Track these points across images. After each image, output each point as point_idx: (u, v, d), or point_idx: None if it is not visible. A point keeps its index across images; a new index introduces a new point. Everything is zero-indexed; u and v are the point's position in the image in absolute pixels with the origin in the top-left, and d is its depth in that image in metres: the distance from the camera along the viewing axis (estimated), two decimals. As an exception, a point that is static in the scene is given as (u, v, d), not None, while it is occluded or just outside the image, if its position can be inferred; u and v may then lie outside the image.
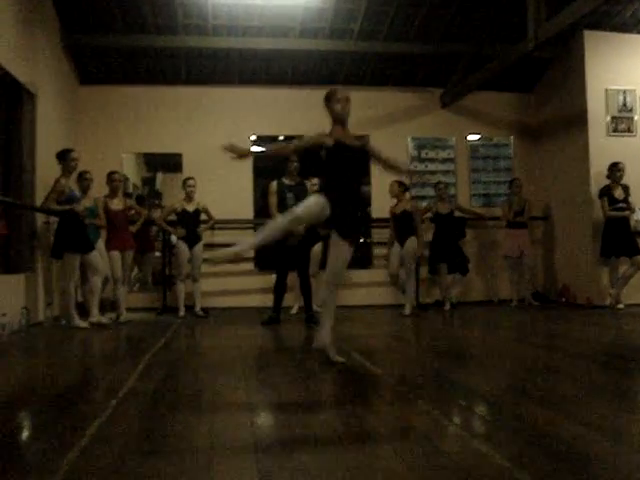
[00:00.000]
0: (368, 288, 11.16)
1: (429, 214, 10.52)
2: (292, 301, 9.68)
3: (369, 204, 11.36)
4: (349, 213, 4.84)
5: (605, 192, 9.79)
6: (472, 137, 11.86)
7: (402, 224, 9.56)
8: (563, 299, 10.88)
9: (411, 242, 9.44)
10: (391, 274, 9.82)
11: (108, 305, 9.20)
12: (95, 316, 8.09)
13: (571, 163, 10.77)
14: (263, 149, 5.14)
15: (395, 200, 9.66)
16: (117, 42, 10.20)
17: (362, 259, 11.35)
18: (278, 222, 4.81)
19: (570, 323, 8.40)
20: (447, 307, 10.11)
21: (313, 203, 4.73)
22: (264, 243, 4.73)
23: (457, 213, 10.63)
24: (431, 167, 11.62)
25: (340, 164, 4.87)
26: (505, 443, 2.85)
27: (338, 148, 4.87)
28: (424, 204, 10.94)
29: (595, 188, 10.04)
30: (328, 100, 5.09)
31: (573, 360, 5.28)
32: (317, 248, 9.41)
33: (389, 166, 5.27)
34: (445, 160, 11.75)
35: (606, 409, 3.45)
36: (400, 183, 9.59)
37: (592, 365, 5.01)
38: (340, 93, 5.06)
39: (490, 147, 11.91)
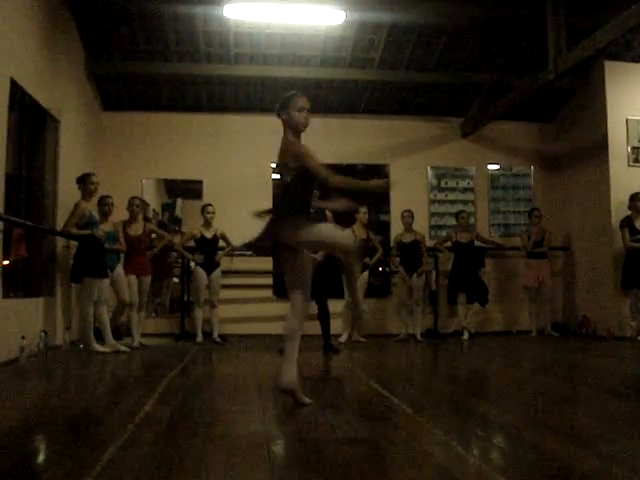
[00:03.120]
0: (386, 317, 11.11)
1: (449, 243, 10.50)
2: (341, 329, 9.76)
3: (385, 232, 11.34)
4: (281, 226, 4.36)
5: (626, 223, 9.72)
6: (492, 167, 11.85)
7: (411, 253, 9.76)
8: (583, 330, 10.76)
9: (420, 274, 9.94)
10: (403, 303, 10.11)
11: (124, 330, 9.20)
12: (110, 344, 8.09)
13: (592, 193, 10.73)
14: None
15: (401, 228, 9.94)
16: (140, 69, 10.32)
17: (381, 288, 11.33)
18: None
19: (590, 354, 8.32)
20: (466, 337, 10.04)
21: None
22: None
23: (477, 243, 10.58)
24: (451, 196, 11.61)
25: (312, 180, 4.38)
26: (524, 476, 2.81)
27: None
28: (444, 233, 11.00)
29: (616, 219, 9.98)
30: (285, 106, 4.50)
31: (593, 392, 5.21)
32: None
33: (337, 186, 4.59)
34: (465, 190, 11.73)
35: (627, 443, 3.39)
36: (411, 212, 9.84)
37: (613, 397, 4.93)
38: (304, 101, 4.48)
39: (510, 177, 11.89)
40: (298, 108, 4.42)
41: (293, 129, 4.45)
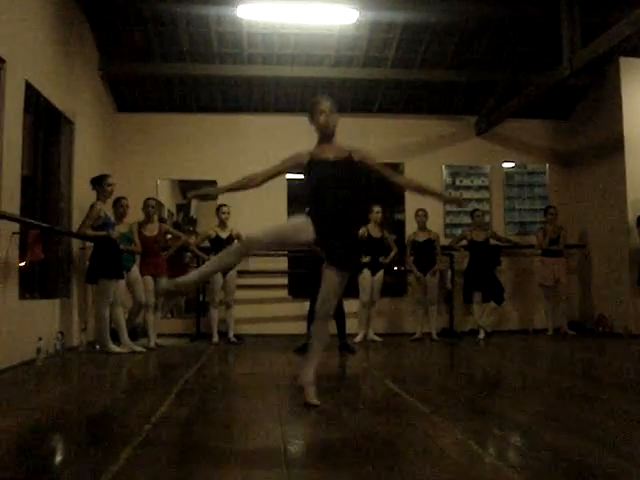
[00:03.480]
0: (401, 316, 11.10)
1: (464, 242, 10.47)
2: (357, 328, 9.76)
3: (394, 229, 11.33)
4: (337, 237, 4.25)
5: (643, 220, 9.67)
6: (507, 165, 11.80)
7: (425, 252, 9.78)
8: (600, 328, 10.70)
9: (433, 273, 10.00)
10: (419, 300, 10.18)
11: (140, 331, 9.22)
12: (126, 345, 8.10)
13: (607, 190, 10.67)
14: (231, 184, 4.50)
15: (415, 227, 10.19)
16: (154, 70, 10.36)
17: (396, 287, 11.32)
18: (231, 248, 4.46)
19: (607, 353, 8.28)
20: (482, 336, 10.01)
21: (283, 224, 4.48)
22: (213, 272, 4.54)
23: (492, 241, 10.54)
24: (466, 195, 11.55)
25: (318, 182, 4.34)
26: (540, 474, 2.80)
27: (313, 165, 4.37)
28: (459, 232, 10.99)
29: (632, 215, 9.92)
30: (311, 114, 4.47)
31: (610, 390, 5.19)
32: (365, 275, 9.54)
33: (409, 186, 4.91)
34: (480, 188, 11.69)
35: (646, 441, 3.38)
36: (425, 211, 9.95)
37: (630, 396, 4.90)
38: (322, 104, 4.43)
39: (525, 175, 11.84)
40: (318, 112, 4.41)
41: (318, 133, 4.47)
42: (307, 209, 4.49)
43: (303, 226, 4.22)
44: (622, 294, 10.22)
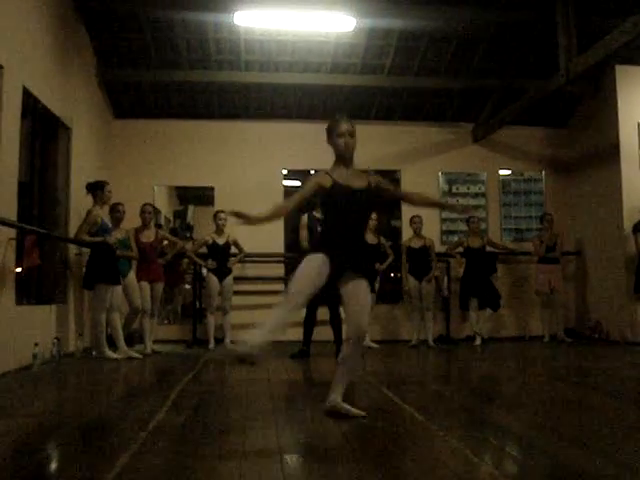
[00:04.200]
0: (398, 322, 11.10)
1: (460, 249, 10.48)
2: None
3: (395, 241, 11.33)
4: (356, 252, 4.25)
5: (638, 227, 9.67)
6: (503, 172, 11.83)
7: (420, 259, 9.79)
8: (596, 335, 10.71)
9: (429, 278, 9.99)
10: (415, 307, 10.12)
11: (137, 337, 9.22)
12: (122, 351, 8.09)
13: (604, 198, 10.68)
14: (263, 216, 4.44)
15: (411, 234, 10.21)
16: (151, 77, 10.38)
17: (392, 293, 11.33)
18: (281, 316, 4.21)
19: (603, 360, 8.28)
20: (478, 342, 10.01)
21: (306, 273, 4.11)
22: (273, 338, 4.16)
23: (488, 248, 10.55)
24: (462, 202, 11.57)
25: (339, 208, 4.28)
26: (538, 483, 2.80)
27: (336, 190, 4.24)
28: (455, 239, 11.01)
29: (628, 223, 9.93)
30: (329, 133, 4.37)
31: (607, 398, 5.19)
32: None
33: (422, 202, 4.85)
34: (476, 195, 11.71)
35: (642, 449, 3.38)
36: (421, 218, 9.99)
37: (626, 404, 4.91)
38: (343, 126, 4.29)
39: (521, 182, 11.86)
40: (338, 134, 4.30)
41: (336, 155, 4.36)
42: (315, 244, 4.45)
43: (321, 263, 4.10)
44: (618, 301, 10.23)
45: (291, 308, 4.11)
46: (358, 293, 4.19)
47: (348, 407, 4.18)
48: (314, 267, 4.09)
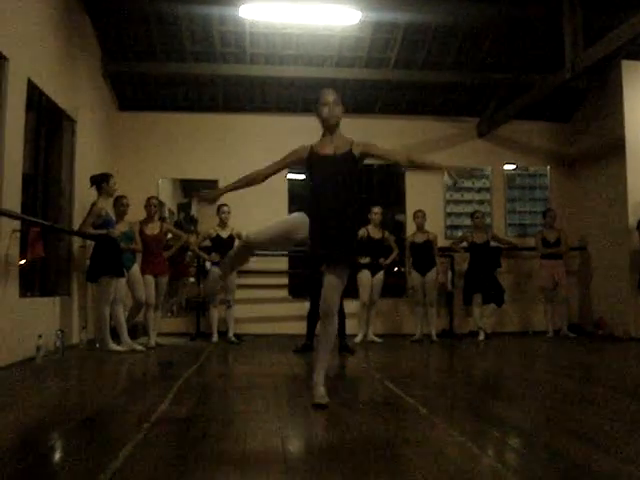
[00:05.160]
0: (401, 317, 11.10)
1: (464, 243, 10.47)
2: (356, 329, 9.79)
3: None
4: (333, 232, 4.26)
5: (643, 223, 9.67)
6: (508, 167, 11.80)
7: (424, 253, 9.78)
8: (599, 331, 10.69)
9: (432, 273, 9.97)
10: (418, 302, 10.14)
11: (141, 329, 9.23)
12: (126, 343, 8.10)
13: (608, 193, 10.67)
14: (233, 184, 4.62)
15: (414, 228, 10.19)
16: (156, 69, 10.37)
17: (396, 287, 11.32)
18: (233, 250, 4.73)
19: (606, 355, 8.28)
20: (481, 337, 10.00)
21: (282, 221, 4.49)
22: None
23: (493, 243, 10.54)
24: (467, 197, 11.57)
25: (318, 177, 4.36)
26: (539, 476, 2.80)
27: (313, 159, 4.39)
28: (459, 233, 10.99)
29: (633, 218, 9.92)
30: (315, 105, 4.48)
31: (609, 393, 5.18)
32: (365, 275, 9.58)
33: (412, 164, 4.62)
34: (481, 190, 11.69)
35: (645, 444, 3.38)
36: (424, 212, 9.99)
37: (628, 399, 4.90)
38: (325, 97, 4.42)
39: (526, 177, 11.84)
40: (322, 103, 4.42)
41: (322, 125, 4.48)
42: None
43: (301, 224, 4.27)
44: (622, 297, 10.22)
45: (244, 243, 4.44)
46: (327, 277, 4.36)
47: (319, 391, 4.35)
48: (294, 219, 4.32)
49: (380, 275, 9.82)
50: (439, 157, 11.39)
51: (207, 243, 9.75)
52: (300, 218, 4.31)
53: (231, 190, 4.54)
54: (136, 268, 8.60)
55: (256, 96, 11.21)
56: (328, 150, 4.39)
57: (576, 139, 11.80)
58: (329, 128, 4.46)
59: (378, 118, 11.45)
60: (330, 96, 4.42)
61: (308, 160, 4.40)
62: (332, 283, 4.34)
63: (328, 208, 4.28)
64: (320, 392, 4.34)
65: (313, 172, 4.41)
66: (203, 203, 3.78)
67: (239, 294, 9.99)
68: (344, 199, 4.33)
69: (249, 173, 4.51)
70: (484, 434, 3.63)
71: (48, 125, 8.13)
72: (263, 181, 4.53)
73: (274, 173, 4.53)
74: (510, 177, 11.81)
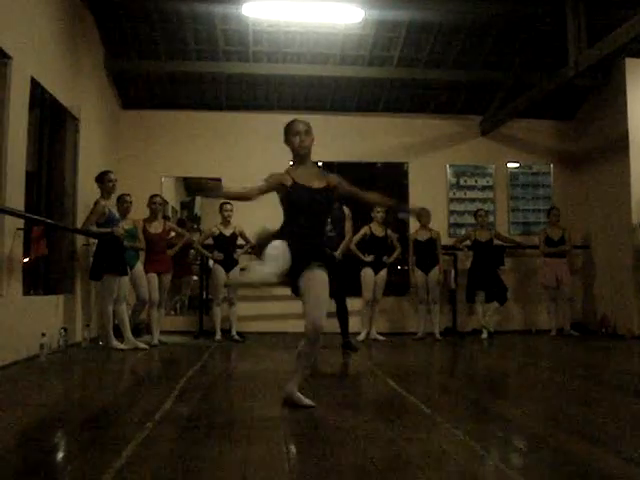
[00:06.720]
0: (404, 315, 11.10)
1: (468, 241, 10.46)
2: (360, 327, 9.77)
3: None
4: (309, 247, 4.30)
5: (647, 221, 9.65)
6: (511, 165, 11.78)
7: (427, 251, 9.79)
8: (603, 329, 10.66)
9: (435, 271, 9.98)
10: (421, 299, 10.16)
11: (144, 327, 9.24)
12: (129, 341, 8.10)
13: (612, 191, 10.64)
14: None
15: (417, 227, 10.22)
16: (159, 68, 10.36)
17: (399, 286, 11.31)
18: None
19: (610, 354, 8.27)
20: (484, 336, 9.99)
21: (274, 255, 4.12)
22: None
23: (496, 241, 10.53)
24: (470, 195, 11.56)
25: (298, 207, 4.37)
26: (543, 476, 2.80)
27: (295, 190, 4.37)
28: (463, 231, 10.99)
29: (636, 216, 9.90)
30: (285, 133, 4.52)
31: (613, 392, 5.18)
32: (368, 273, 9.58)
33: (374, 202, 4.91)
34: (484, 188, 11.67)
35: (648, 443, 3.37)
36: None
37: (633, 397, 4.90)
38: (297, 126, 4.46)
39: (530, 175, 11.81)
40: (293, 133, 4.45)
41: (294, 155, 4.53)
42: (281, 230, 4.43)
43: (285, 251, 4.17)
44: (625, 295, 10.20)
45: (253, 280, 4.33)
46: (314, 285, 4.24)
47: (300, 396, 4.30)
48: (280, 251, 4.15)
49: (383, 273, 9.82)
50: (442, 155, 11.49)
51: (210, 241, 9.75)
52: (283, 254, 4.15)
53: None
54: (139, 266, 8.62)
55: (259, 94, 11.20)
56: (311, 182, 4.42)
57: (579, 137, 11.77)
58: (301, 157, 4.51)
59: (381, 116, 11.44)
60: (301, 126, 4.46)
61: (291, 189, 4.39)
62: (318, 296, 4.23)
63: (308, 229, 4.36)
64: (301, 397, 4.33)
65: (295, 199, 4.39)
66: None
67: (242, 292, 9.98)
68: (320, 223, 4.52)
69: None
70: (488, 434, 3.63)
71: (51, 123, 8.13)
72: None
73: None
74: (513, 175, 11.78)
